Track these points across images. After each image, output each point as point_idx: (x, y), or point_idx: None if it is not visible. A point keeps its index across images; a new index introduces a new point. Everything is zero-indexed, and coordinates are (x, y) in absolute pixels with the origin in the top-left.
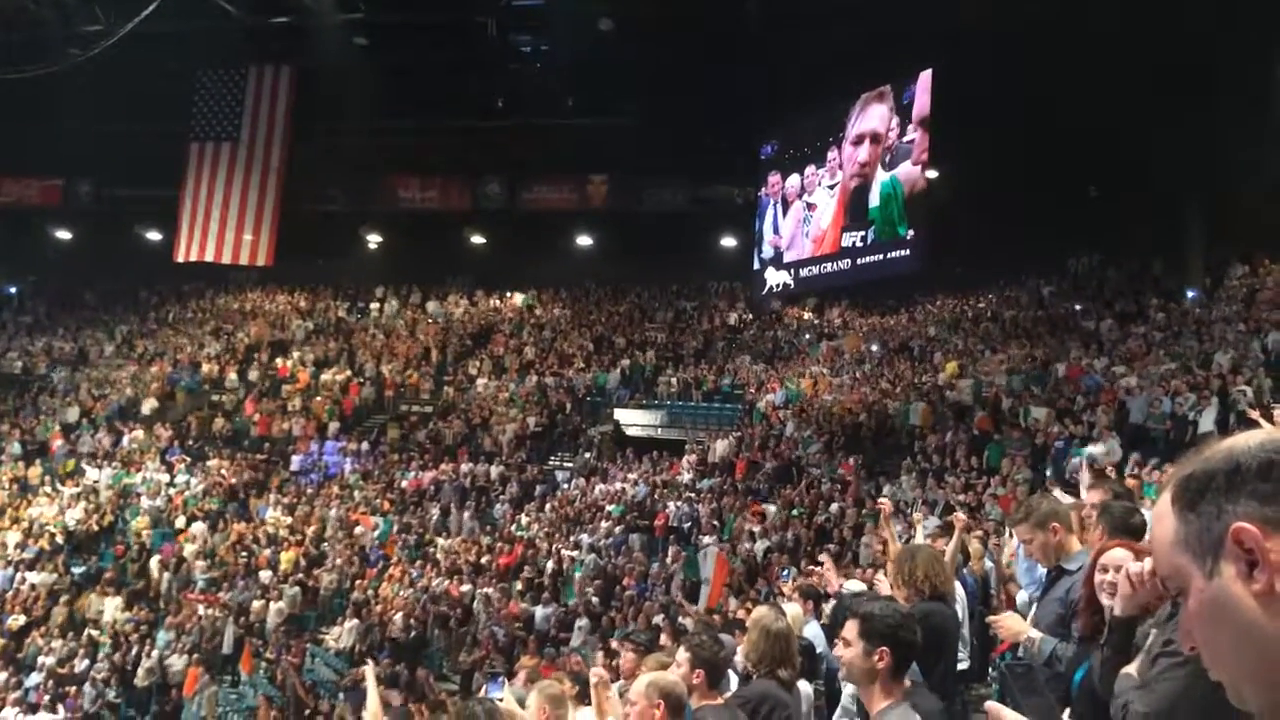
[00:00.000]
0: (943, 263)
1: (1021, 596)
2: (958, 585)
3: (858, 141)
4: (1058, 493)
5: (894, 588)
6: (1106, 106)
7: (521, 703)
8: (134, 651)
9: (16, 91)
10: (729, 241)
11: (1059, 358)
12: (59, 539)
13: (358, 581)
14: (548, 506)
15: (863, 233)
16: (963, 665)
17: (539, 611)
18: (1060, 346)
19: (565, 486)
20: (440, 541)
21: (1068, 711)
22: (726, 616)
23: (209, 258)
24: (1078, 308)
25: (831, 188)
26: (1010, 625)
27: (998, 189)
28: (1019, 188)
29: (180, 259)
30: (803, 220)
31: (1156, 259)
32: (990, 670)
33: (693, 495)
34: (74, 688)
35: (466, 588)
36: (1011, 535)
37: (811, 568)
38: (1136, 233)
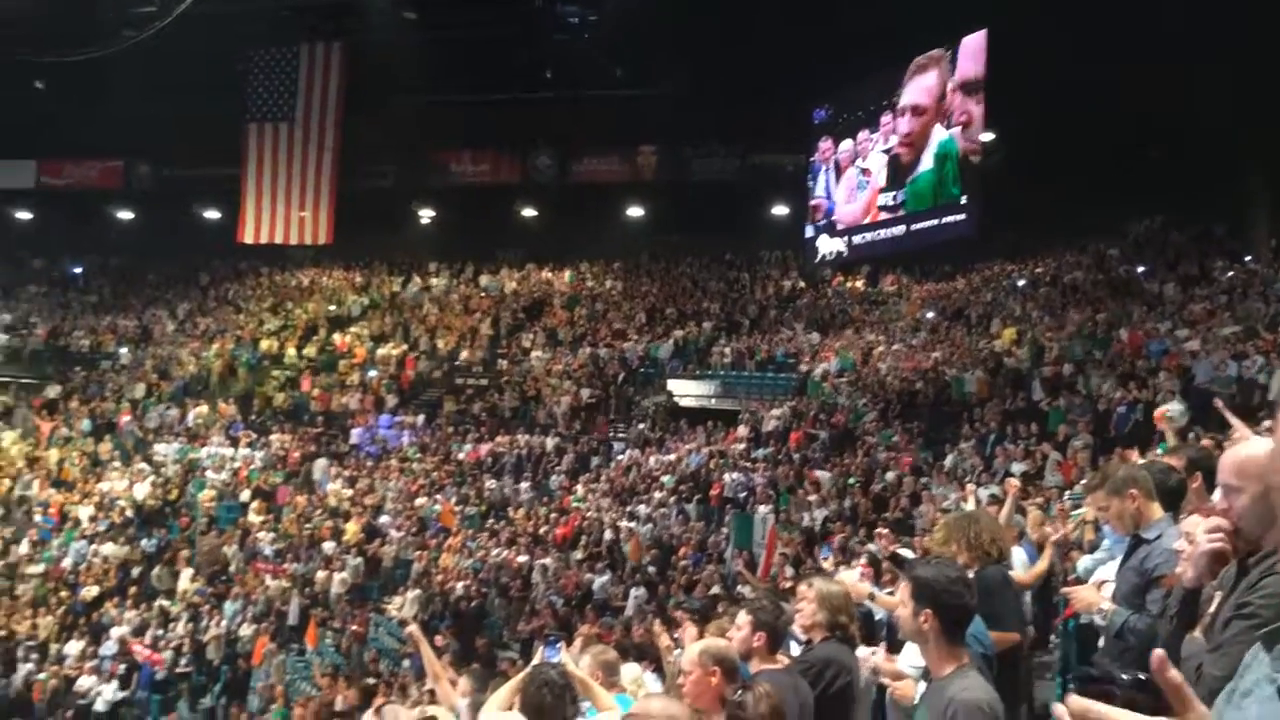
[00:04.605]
0: (1000, 227)
1: (1083, 563)
2: (1019, 551)
3: (902, 113)
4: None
5: (955, 554)
6: (1167, 64)
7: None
8: (204, 622)
9: (75, 75)
10: (780, 210)
11: (1121, 322)
12: (129, 513)
13: (418, 552)
14: (603, 477)
15: (895, 193)
16: None
17: (596, 581)
18: (1122, 311)
19: (620, 457)
20: (497, 515)
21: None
22: (778, 586)
23: (276, 239)
24: (1140, 270)
25: (886, 152)
26: (1084, 597)
27: (1056, 151)
28: (1078, 150)
29: (247, 241)
30: (857, 186)
31: (1221, 220)
32: (1052, 638)
33: (748, 465)
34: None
35: (524, 558)
36: (1067, 500)
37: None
38: (1200, 194)
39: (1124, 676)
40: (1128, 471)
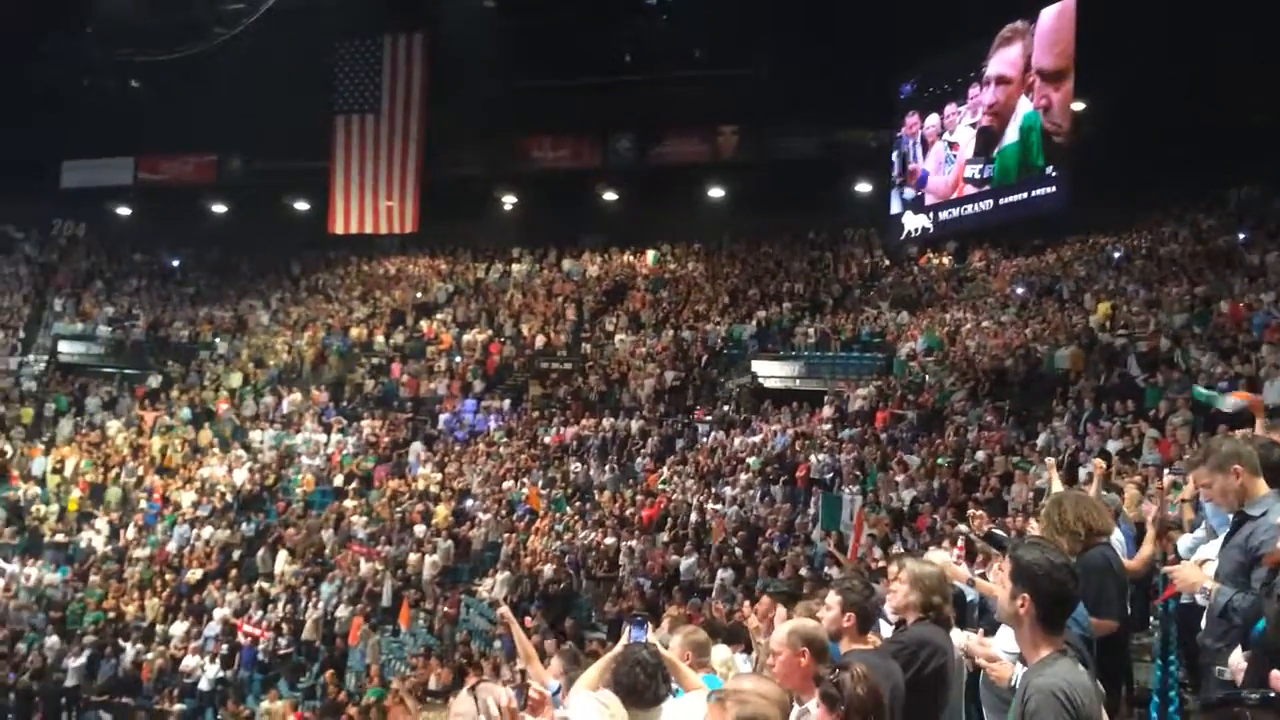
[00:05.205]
0: (1091, 198)
1: (1183, 543)
2: (1115, 532)
3: (988, 83)
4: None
5: (1057, 540)
6: (1266, 25)
7: (664, 647)
8: (303, 603)
9: (169, 73)
10: (863, 187)
11: (1221, 295)
12: (229, 498)
13: (507, 535)
14: (688, 459)
15: (981, 166)
16: None
17: (683, 563)
18: (1222, 283)
19: (705, 439)
20: (583, 497)
21: (1239, 652)
22: (869, 568)
23: (365, 229)
24: (1241, 237)
25: (973, 125)
26: (1186, 575)
27: (1150, 119)
28: (1173, 117)
29: (338, 231)
30: (944, 160)
31: None
32: (1150, 619)
33: (834, 445)
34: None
35: (611, 540)
36: (1167, 478)
37: (976, 514)
38: None
39: (1252, 696)
40: (1231, 447)
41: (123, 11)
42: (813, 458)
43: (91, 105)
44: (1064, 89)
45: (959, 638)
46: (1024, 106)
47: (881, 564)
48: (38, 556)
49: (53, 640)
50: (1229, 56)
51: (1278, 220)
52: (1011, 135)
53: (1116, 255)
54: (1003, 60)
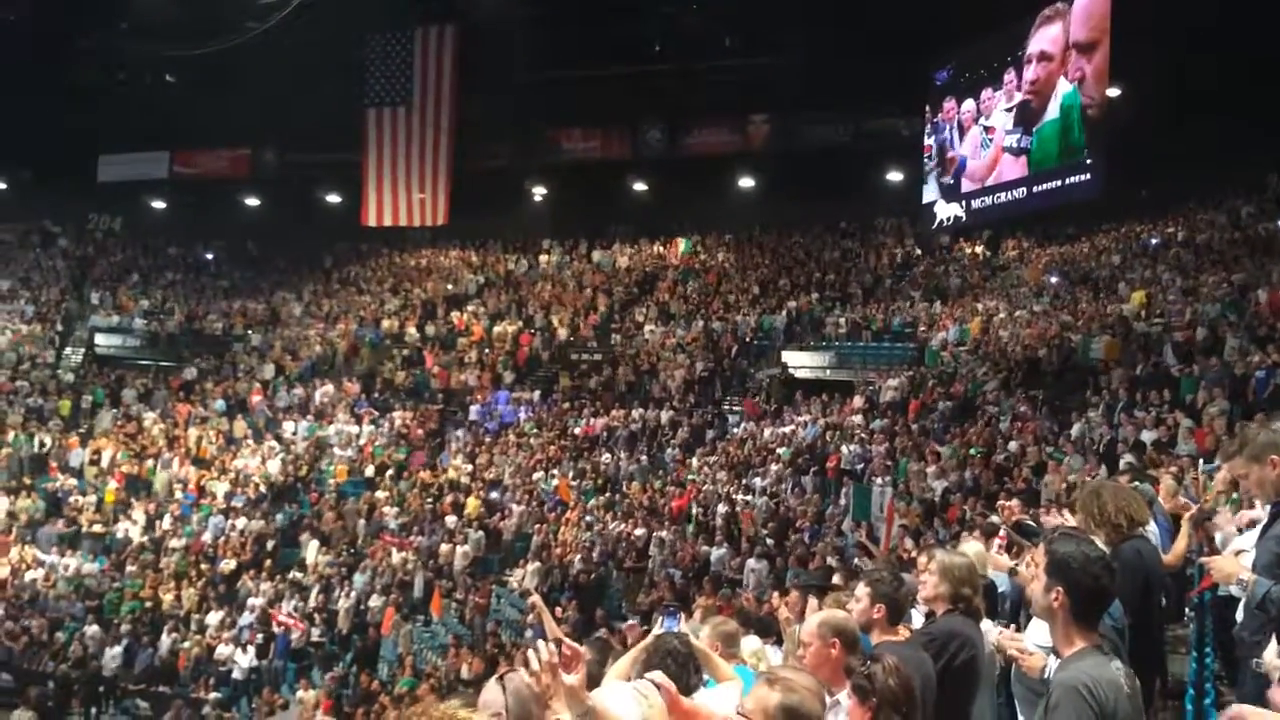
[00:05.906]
0: (1127, 186)
1: (1221, 535)
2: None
3: (1029, 61)
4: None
5: (1093, 532)
6: None
7: (695, 637)
8: (336, 593)
9: (203, 67)
10: (895, 176)
11: (1259, 283)
12: (262, 489)
13: (538, 526)
14: (718, 450)
15: (1019, 135)
16: None
17: (714, 553)
18: (1261, 271)
19: (735, 430)
20: (612, 488)
21: (1275, 644)
22: (901, 558)
23: (399, 221)
24: None
25: (1009, 110)
26: (1223, 567)
27: (1187, 104)
28: (1211, 101)
29: (370, 223)
30: (980, 144)
31: None
32: (1187, 610)
33: (865, 437)
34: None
35: (641, 531)
36: (1202, 469)
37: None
38: None
39: None
40: (1268, 437)
41: (157, 7)
42: (843, 448)
43: (127, 100)
44: (1096, 60)
45: (990, 631)
46: (1064, 86)
47: (913, 555)
48: (76, 547)
49: (93, 629)
50: (1267, 39)
51: None
52: (1052, 112)
53: (1154, 243)
54: (1044, 38)
